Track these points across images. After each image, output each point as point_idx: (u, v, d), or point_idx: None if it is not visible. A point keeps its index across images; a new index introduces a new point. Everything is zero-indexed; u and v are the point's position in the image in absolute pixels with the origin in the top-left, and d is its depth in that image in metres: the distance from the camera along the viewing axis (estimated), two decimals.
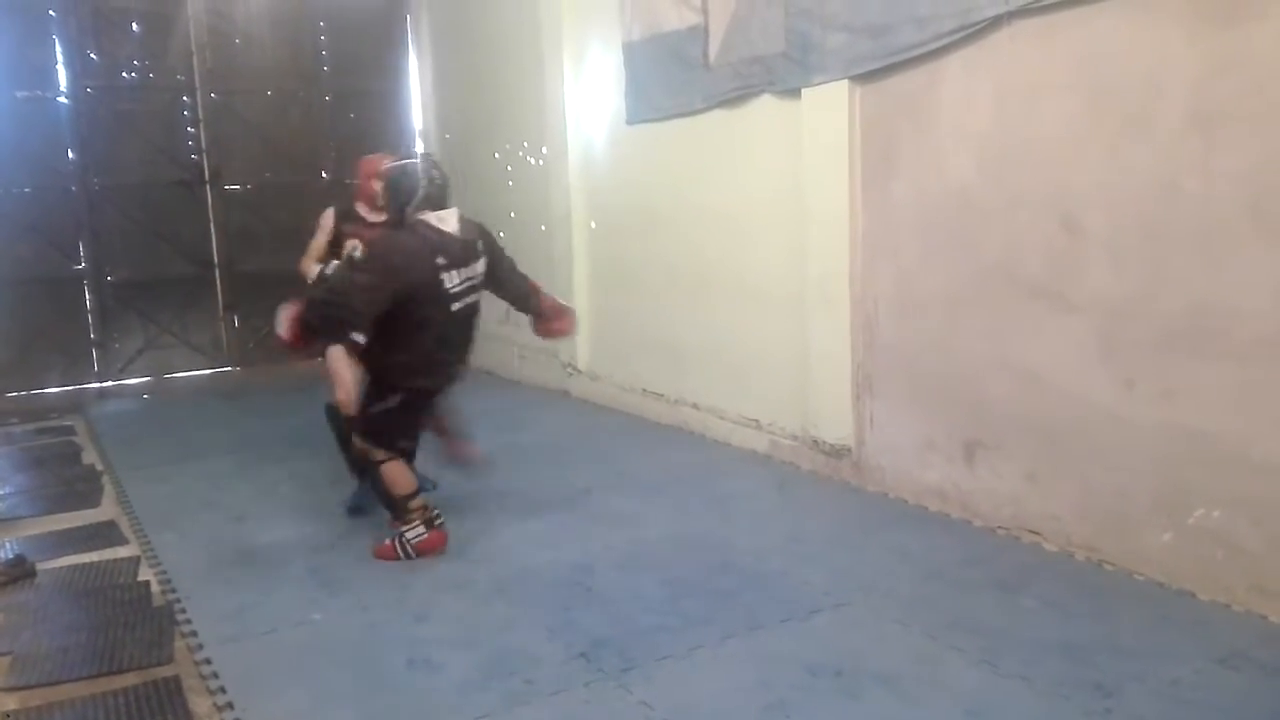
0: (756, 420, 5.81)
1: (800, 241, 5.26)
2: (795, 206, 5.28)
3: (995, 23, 4.11)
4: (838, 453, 5.15)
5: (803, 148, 5.15)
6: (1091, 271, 3.92)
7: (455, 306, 4.23)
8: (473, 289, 4.34)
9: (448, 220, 4.21)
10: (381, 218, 4.97)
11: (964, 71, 4.34)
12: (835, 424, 5.14)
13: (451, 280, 4.19)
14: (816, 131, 5.05)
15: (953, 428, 4.56)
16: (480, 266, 4.37)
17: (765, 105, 5.46)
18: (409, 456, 4.48)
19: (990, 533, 4.36)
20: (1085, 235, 3.92)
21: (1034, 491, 4.23)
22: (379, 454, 4.32)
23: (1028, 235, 4.15)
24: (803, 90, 5.09)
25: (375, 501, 4.64)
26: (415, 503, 4.34)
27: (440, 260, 4.14)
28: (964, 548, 4.22)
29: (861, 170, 4.88)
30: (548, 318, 4.76)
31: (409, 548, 4.29)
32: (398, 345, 4.15)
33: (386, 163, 4.50)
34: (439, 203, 4.21)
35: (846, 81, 4.82)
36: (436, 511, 4.39)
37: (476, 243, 4.37)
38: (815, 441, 5.29)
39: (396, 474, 4.32)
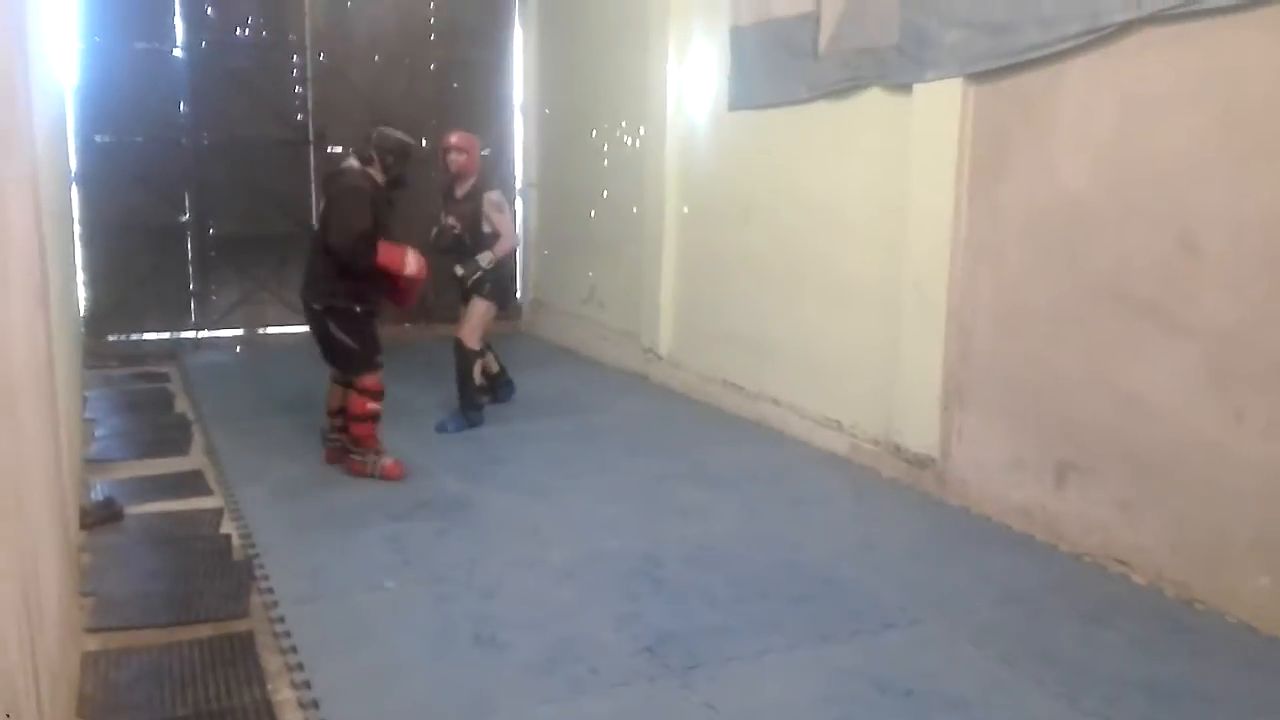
0: (838, 421, 5.70)
1: (899, 241, 5.12)
2: (896, 204, 5.15)
3: (1125, 28, 3.93)
4: (921, 462, 5.02)
5: (910, 145, 5.01)
6: (1206, 294, 3.73)
7: None
8: None
9: None
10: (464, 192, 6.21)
11: (1087, 77, 4.15)
12: (920, 432, 5.01)
13: None
14: (926, 129, 4.91)
15: (1045, 446, 4.40)
16: None
17: (873, 98, 5.32)
18: None
19: (1076, 559, 4.20)
20: (1203, 256, 3.73)
21: (1125, 520, 4.06)
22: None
23: (1141, 251, 3.96)
24: (914, 85, 4.94)
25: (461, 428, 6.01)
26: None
27: None
28: (1047, 573, 4.08)
29: (970, 172, 4.72)
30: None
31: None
32: None
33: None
34: None
35: (961, 79, 4.67)
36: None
37: None
38: (898, 448, 5.17)
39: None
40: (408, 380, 7.41)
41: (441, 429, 6.04)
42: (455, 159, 6.18)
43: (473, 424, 6.12)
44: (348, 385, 5.14)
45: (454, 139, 6.22)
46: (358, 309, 5.06)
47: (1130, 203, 4.01)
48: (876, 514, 4.79)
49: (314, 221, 5.06)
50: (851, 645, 3.41)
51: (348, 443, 5.18)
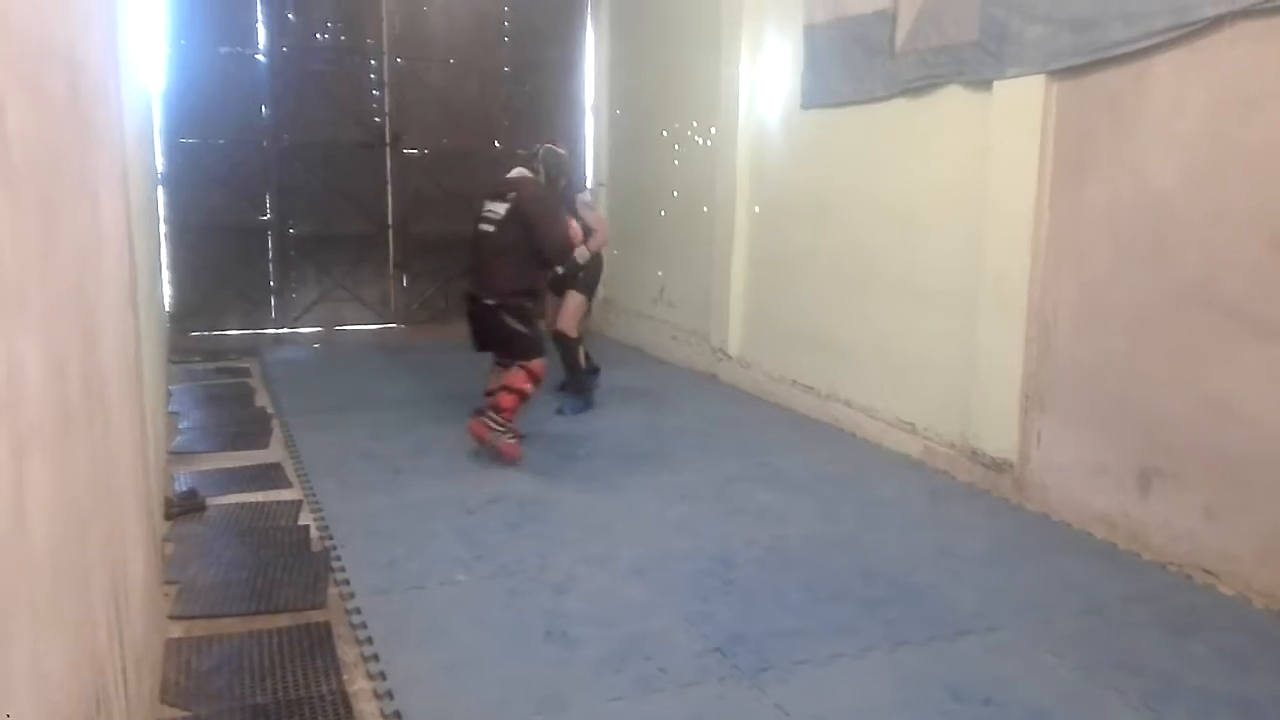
0: (912, 424, 5.61)
1: (977, 240, 5.03)
2: (974, 203, 5.05)
3: (1215, 23, 3.80)
4: (998, 466, 4.92)
5: (989, 143, 4.91)
6: None
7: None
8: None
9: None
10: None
11: (1174, 73, 4.03)
12: (998, 436, 4.91)
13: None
14: (1006, 126, 4.80)
15: (1128, 452, 4.28)
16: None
17: (951, 96, 5.23)
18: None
19: (1160, 568, 4.08)
20: None
21: (1213, 528, 3.92)
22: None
23: (1231, 252, 3.83)
24: (994, 83, 4.84)
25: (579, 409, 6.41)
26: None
27: None
28: (1130, 581, 3.96)
29: (1052, 170, 4.61)
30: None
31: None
32: None
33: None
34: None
35: (1043, 76, 4.56)
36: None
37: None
38: (974, 452, 5.07)
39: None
40: (478, 377, 7.50)
41: (560, 413, 6.45)
42: None
43: (588, 405, 6.57)
44: (508, 368, 5.57)
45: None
46: (528, 304, 5.60)
47: (1220, 203, 3.87)
48: (952, 519, 4.70)
49: (493, 226, 5.57)
50: (927, 651, 3.35)
51: (487, 407, 5.47)
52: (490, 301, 5.51)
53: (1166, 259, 4.10)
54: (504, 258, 5.50)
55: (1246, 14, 3.68)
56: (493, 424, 5.37)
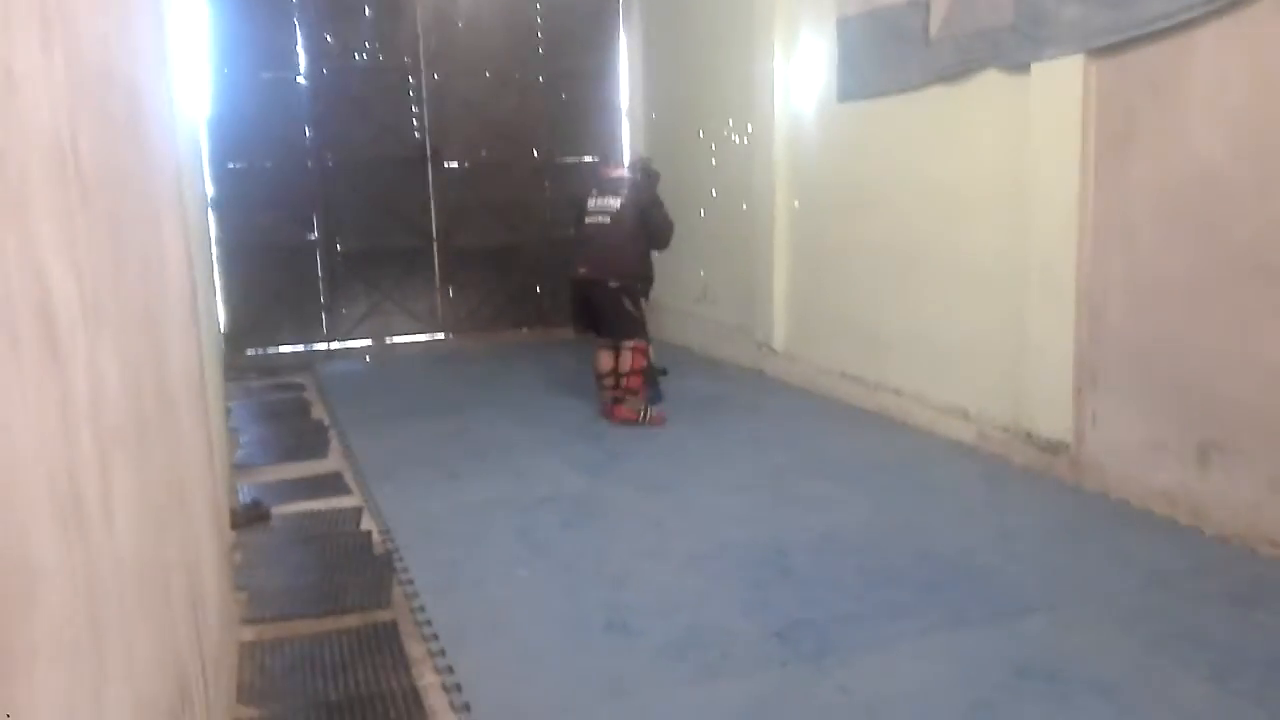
0: (964, 410, 5.58)
1: (1022, 223, 5.00)
2: (1016, 186, 5.03)
3: None
4: (1054, 448, 4.88)
5: (1030, 125, 4.89)
6: None
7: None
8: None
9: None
10: None
11: (1217, 45, 3.99)
12: (1052, 418, 4.87)
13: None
14: (1047, 108, 4.78)
15: (1186, 427, 4.23)
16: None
17: (988, 81, 5.21)
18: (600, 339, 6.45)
19: (1223, 542, 4.03)
20: None
21: (1276, 500, 3.87)
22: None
23: None
24: (1032, 65, 4.82)
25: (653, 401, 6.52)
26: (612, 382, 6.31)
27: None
28: (1193, 556, 3.92)
29: (1095, 149, 4.58)
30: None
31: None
32: None
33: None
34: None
35: (1082, 55, 4.54)
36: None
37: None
38: (1029, 435, 5.04)
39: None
40: (526, 384, 7.59)
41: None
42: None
43: (660, 397, 6.77)
44: (616, 349, 6.25)
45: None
46: (643, 286, 6.41)
47: (1270, 171, 3.82)
48: (1009, 502, 4.68)
49: (609, 218, 6.36)
50: (988, 630, 3.35)
51: (622, 395, 6.23)
52: (614, 284, 6.20)
53: (1216, 232, 4.05)
54: (624, 245, 6.25)
55: None
56: (634, 405, 6.19)
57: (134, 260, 1.96)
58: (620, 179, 6.51)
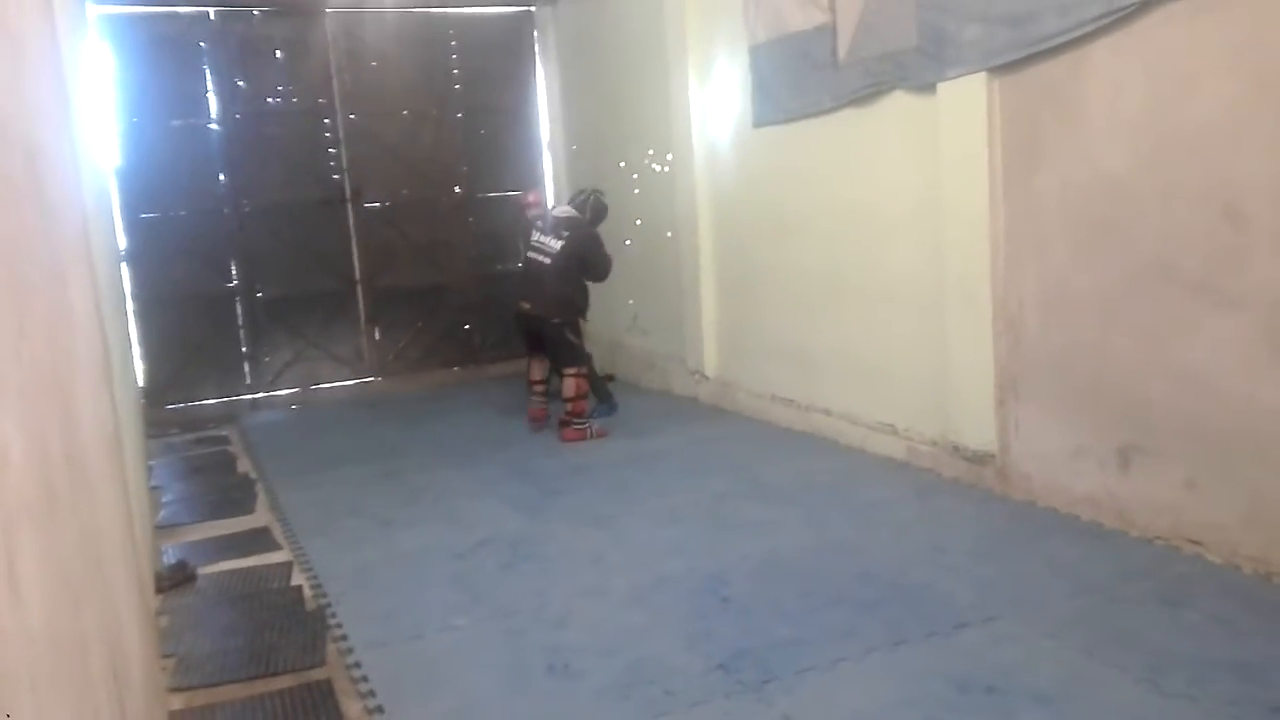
0: (893, 426, 5.66)
1: (937, 241, 5.11)
2: (931, 205, 5.14)
3: (1144, 6, 3.91)
4: (980, 459, 4.97)
5: (939, 144, 5.01)
6: (1257, 265, 3.67)
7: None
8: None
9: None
10: None
11: (1112, 58, 4.13)
12: (977, 430, 4.97)
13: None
14: (953, 126, 4.90)
15: (1106, 433, 4.34)
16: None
17: (897, 102, 5.33)
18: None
19: (1147, 543, 4.13)
20: (1250, 226, 3.68)
21: (1195, 499, 3.98)
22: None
23: (1186, 228, 3.91)
24: (938, 85, 4.95)
25: (606, 414, 7.19)
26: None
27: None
28: (1120, 559, 4.01)
29: (1002, 164, 4.70)
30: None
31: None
32: None
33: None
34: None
35: (984, 74, 4.67)
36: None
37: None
38: (956, 448, 5.12)
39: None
40: (459, 423, 7.51)
41: (592, 416, 7.03)
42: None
43: (613, 409, 7.32)
44: (560, 374, 6.80)
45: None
46: (581, 320, 6.99)
47: (1170, 179, 3.96)
48: (941, 515, 4.74)
49: (549, 259, 6.84)
50: (927, 647, 3.38)
51: (569, 419, 6.70)
52: (556, 320, 6.73)
53: (1124, 241, 4.18)
54: (563, 287, 6.76)
55: None
56: (579, 427, 6.68)
57: (39, 324, 1.89)
58: (566, 219, 6.92)
